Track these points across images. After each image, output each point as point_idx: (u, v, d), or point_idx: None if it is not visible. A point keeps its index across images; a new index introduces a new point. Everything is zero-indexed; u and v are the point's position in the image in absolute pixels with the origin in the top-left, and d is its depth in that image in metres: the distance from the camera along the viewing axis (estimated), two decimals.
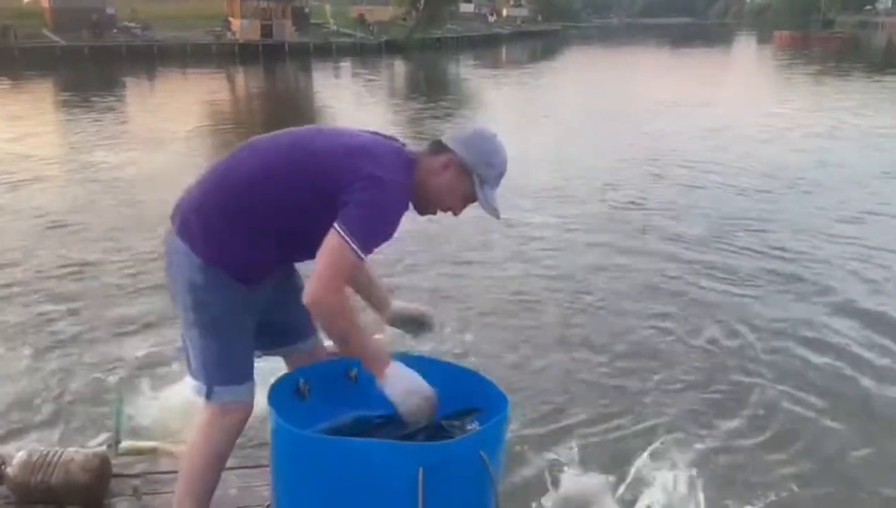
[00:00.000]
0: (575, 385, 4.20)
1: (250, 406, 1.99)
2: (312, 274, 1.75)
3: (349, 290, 1.96)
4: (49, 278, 5.59)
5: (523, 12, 73.80)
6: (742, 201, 8.50)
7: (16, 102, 19.08)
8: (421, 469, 1.64)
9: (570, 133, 13.67)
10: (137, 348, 4.38)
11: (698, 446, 3.55)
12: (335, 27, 41.54)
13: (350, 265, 1.75)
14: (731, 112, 16.49)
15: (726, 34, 70.57)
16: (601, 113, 16.72)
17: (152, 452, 2.78)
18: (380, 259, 3.67)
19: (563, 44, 54.77)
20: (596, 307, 5.34)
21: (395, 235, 1.82)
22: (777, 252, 6.56)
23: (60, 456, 2.38)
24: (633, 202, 8.41)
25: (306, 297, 1.74)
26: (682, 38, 60.10)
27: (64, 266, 5.86)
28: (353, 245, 1.72)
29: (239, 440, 2.06)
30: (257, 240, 1.87)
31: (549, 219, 7.59)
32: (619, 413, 3.87)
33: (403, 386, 1.80)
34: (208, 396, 1.93)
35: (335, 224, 1.73)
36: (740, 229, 7.24)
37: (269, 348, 2.12)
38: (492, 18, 64.59)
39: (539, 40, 56.90)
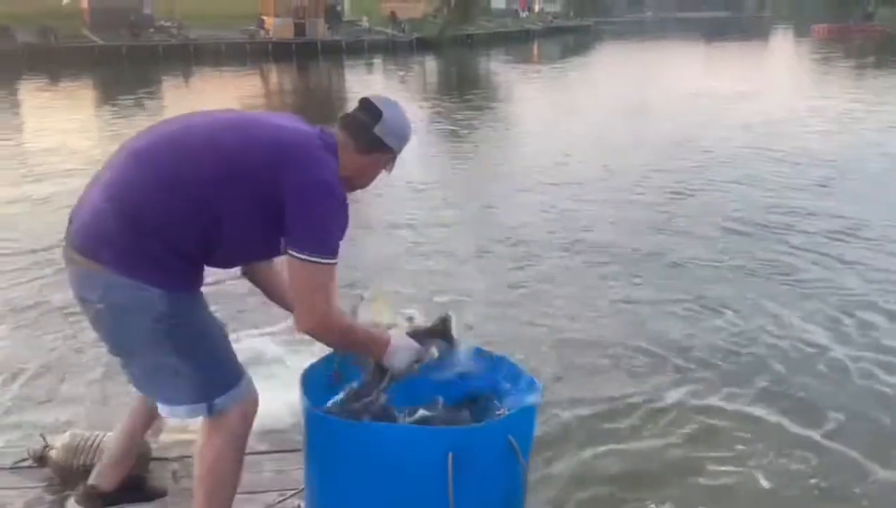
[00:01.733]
0: None
1: (256, 398, 1.89)
2: (295, 303, 1.71)
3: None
4: None
5: (555, 8, 73.29)
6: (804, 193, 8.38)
7: (53, 99, 19.55)
8: (450, 455, 1.67)
9: (605, 126, 13.54)
10: None
11: None
12: (367, 25, 41.72)
13: (326, 279, 1.68)
14: (775, 103, 16.11)
15: (763, 27, 69.22)
16: (637, 106, 16.50)
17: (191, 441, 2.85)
18: None
19: (595, 39, 54.29)
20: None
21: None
22: None
23: (102, 439, 2.44)
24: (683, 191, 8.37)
25: (297, 327, 1.70)
26: (718, 31, 59.10)
27: None
28: (320, 260, 1.66)
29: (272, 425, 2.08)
30: (193, 250, 1.73)
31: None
32: None
33: (405, 359, 1.86)
34: (210, 411, 1.79)
35: (291, 250, 1.66)
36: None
37: None
38: (523, 14, 64.27)
39: (571, 36, 56.44)
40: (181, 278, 1.72)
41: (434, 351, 1.91)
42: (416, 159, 10.22)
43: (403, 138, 1.89)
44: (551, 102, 18.82)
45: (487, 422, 1.83)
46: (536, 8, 71.17)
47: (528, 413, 1.84)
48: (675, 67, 29.34)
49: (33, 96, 20.69)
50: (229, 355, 1.85)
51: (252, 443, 2.62)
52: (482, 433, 1.76)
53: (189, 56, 30.99)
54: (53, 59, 27.81)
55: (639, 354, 4.42)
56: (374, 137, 1.82)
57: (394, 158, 1.90)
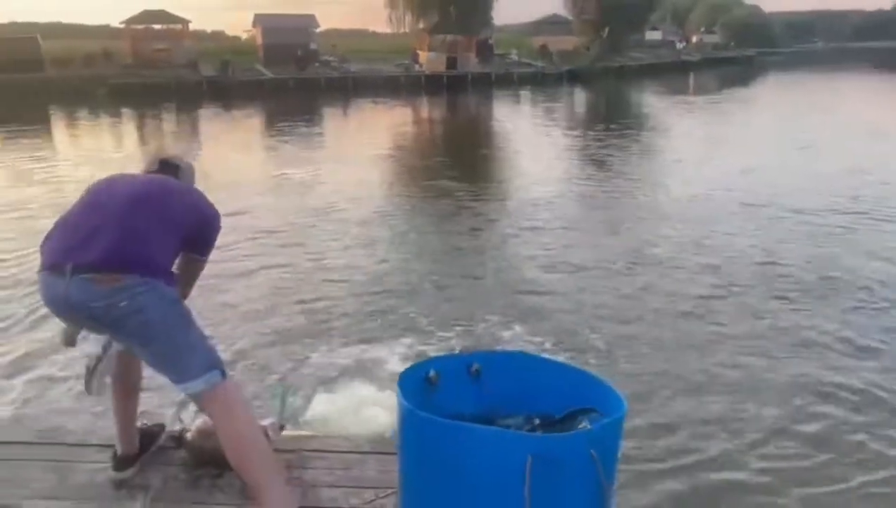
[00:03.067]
0: None
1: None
2: (193, 286, 2.49)
3: None
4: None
5: (715, 39, 70.78)
6: None
7: (224, 127, 21.44)
8: (530, 458, 1.72)
9: (763, 160, 12.92)
10: (311, 350, 4.81)
11: None
12: (517, 57, 42.35)
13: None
14: None
15: None
16: (801, 140, 15.52)
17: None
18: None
19: (758, 71, 51.75)
20: None
21: None
22: None
23: None
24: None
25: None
26: None
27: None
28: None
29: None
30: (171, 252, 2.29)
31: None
32: None
33: None
34: (223, 375, 2.20)
35: (204, 257, 2.45)
36: None
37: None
38: (680, 45, 62.58)
39: (731, 67, 54.18)
40: (168, 275, 2.23)
41: (477, 367, 2.15)
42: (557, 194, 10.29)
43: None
44: (701, 136, 18.17)
45: (568, 433, 1.86)
46: (695, 39, 69.07)
47: (612, 429, 1.84)
48: (847, 100, 27.29)
49: (209, 122, 22.82)
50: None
51: (360, 442, 2.81)
52: (562, 443, 1.79)
53: (348, 88, 32.89)
54: (230, 91, 30.51)
55: None
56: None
57: None
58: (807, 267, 6.68)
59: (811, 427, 3.96)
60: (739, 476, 3.55)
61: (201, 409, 2.30)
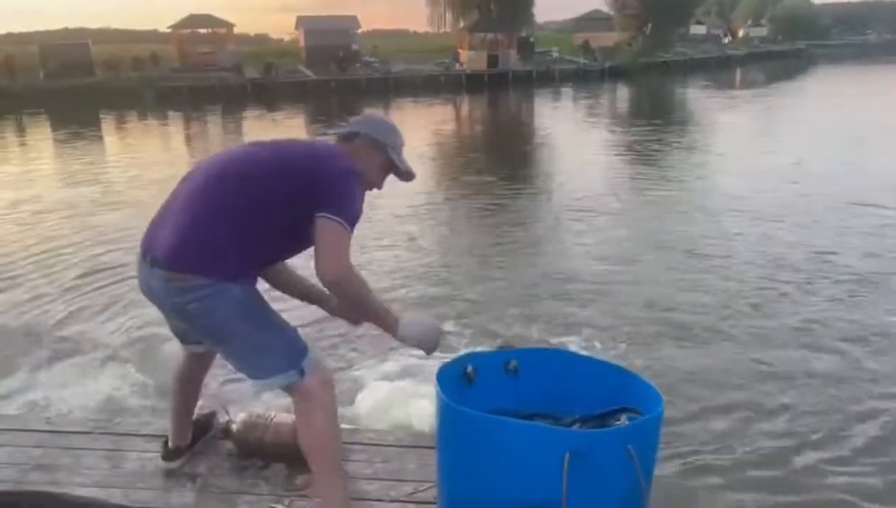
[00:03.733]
0: None
1: (327, 367, 2.25)
2: (321, 259, 1.97)
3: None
4: None
5: (762, 32, 69.26)
6: None
7: (269, 128, 21.76)
8: (567, 454, 1.74)
9: (813, 157, 12.60)
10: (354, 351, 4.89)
11: None
12: (558, 54, 42.07)
13: (347, 241, 2.01)
14: None
15: None
16: (853, 137, 15.08)
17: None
18: None
19: (807, 64, 50.47)
20: None
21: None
22: None
23: (274, 419, 2.76)
24: None
25: (322, 274, 1.98)
26: None
27: None
28: (345, 224, 2.00)
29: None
30: (249, 248, 2.09)
31: None
32: None
33: (418, 334, 2.20)
34: (302, 374, 2.09)
35: (322, 213, 1.99)
36: None
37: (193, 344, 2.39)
38: (726, 40, 61.41)
39: (779, 61, 52.92)
40: (247, 276, 2.11)
41: (514, 363, 2.17)
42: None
43: (383, 130, 2.28)
44: (747, 131, 17.82)
45: (606, 429, 1.87)
46: (741, 33, 67.66)
47: (649, 426, 1.85)
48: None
49: (252, 124, 23.22)
50: (295, 331, 2.18)
51: (400, 436, 2.85)
52: (600, 438, 1.80)
53: (389, 88, 33.10)
54: (273, 93, 30.98)
55: None
56: (350, 131, 2.26)
57: (387, 157, 2.25)
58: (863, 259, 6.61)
59: None
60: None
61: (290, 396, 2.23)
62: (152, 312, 2.39)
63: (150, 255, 2.05)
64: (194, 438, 2.67)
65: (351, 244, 2.02)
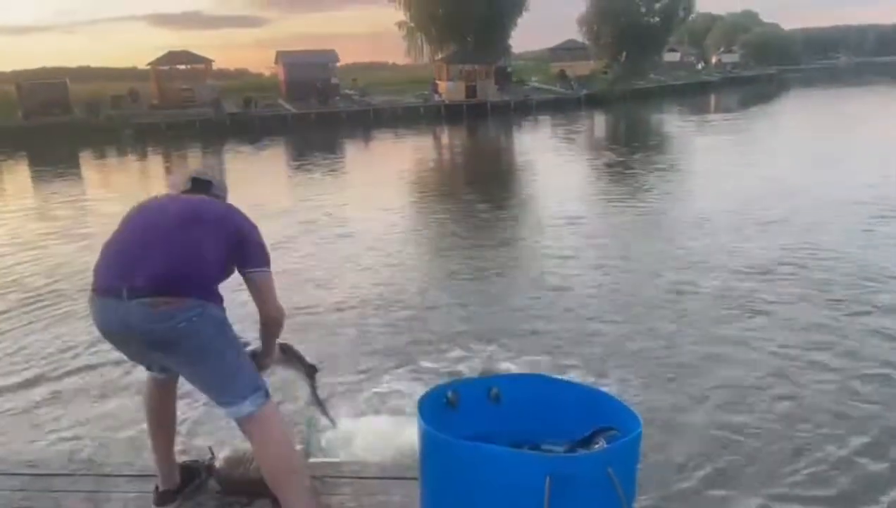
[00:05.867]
0: None
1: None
2: (265, 302, 2.33)
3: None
4: None
5: (734, 58, 70.67)
6: None
7: (250, 162, 21.81)
8: (548, 478, 1.75)
9: (791, 177, 12.88)
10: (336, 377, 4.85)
11: None
12: (535, 84, 42.63)
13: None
14: None
15: None
16: (827, 157, 15.39)
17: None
18: None
19: (779, 88, 51.54)
20: None
21: None
22: None
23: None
24: None
25: (274, 317, 2.39)
26: None
27: None
28: (269, 270, 2.35)
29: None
30: (215, 273, 2.29)
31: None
32: None
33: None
34: (267, 395, 2.27)
35: (255, 267, 2.31)
36: None
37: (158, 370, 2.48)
38: (699, 66, 62.57)
39: (752, 86, 53.99)
40: (218, 296, 2.28)
41: (496, 391, 2.21)
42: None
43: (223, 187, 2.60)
44: (722, 155, 18.13)
45: (585, 453, 1.89)
46: (714, 59, 68.99)
47: (629, 448, 1.87)
48: (870, 117, 27.00)
49: (233, 158, 23.24)
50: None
51: (385, 467, 2.85)
52: (580, 462, 1.83)
53: (369, 120, 33.31)
54: (253, 126, 31.06)
55: None
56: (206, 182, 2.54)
57: None
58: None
59: None
60: None
61: (242, 430, 2.31)
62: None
63: (128, 285, 2.10)
64: (183, 482, 2.65)
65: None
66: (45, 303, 6.99)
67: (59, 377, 5.19)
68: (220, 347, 2.20)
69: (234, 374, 2.22)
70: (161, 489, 2.58)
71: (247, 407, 2.21)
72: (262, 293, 2.32)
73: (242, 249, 2.29)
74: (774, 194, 11.24)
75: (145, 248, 2.19)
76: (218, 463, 2.75)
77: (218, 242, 2.25)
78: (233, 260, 2.30)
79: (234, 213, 2.38)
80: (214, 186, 2.53)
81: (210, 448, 2.89)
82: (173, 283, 2.13)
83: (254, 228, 2.36)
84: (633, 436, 1.87)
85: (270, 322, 2.39)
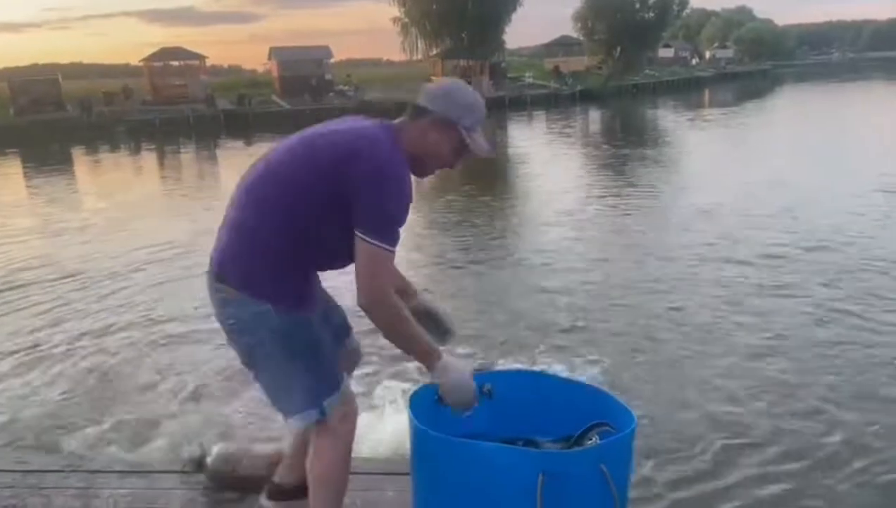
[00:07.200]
0: None
1: (355, 403, 2.07)
2: (357, 282, 1.83)
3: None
4: None
5: (728, 54, 70.79)
6: None
7: (244, 158, 21.71)
8: (541, 475, 1.74)
9: (791, 169, 12.91)
10: None
11: None
12: (530, 80, 42.63)
13: (385, 263, 1.84)
14: None
15: None
16: (823, 151, 15.46)
17: None
18: None
19: (773, 84, 51.68)
20: None
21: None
22: None
23: (249, 451, 2.73)
24: None
25: (359, 303, 1.83)
26: None
27: None
28: (380, 244, 1.81)
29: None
30: (296, 269, 1.96)
31: None
32: None
33: (451, 381, 1.93)
34: (322, 414, 1.96)
35: (357, 231, 1.81)
36: None
37: None
38: (694, 61, 62.67)
39: (746, 81, 54.09)
40: (288, 297, 1.95)
41: (488, 387, 2.03)
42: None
43: (455, 103, 1.92)
44: (714, 149, 18.18)
45: (578, 449, 1.88)
46: (708, 55, 69.12)
47: (622, 444, 1.85)
48: (862, 111, 27.11)
49: (227, 154, 23.16)
50: (331, 365, 2.04)
51: (378, 463, 2.83)
52: (573, 459, 1.81)
53: (362, 115, 33.18)
54: (247, 123, 30.97)
55: None
56: (420, 107, 1.93)
57: (468, 131, 1.93)
58: None
59: None
60: None
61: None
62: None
63: (210, 265, 1.98)
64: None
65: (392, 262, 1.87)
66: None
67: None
68: (271, 359, 1.95)
69: (281, 390, 2.00)
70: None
71: (295, 423, 2.01)
72: (356, 266, 1.85)
73: (343, 196, 1.84)
74: (770, 185, 11.30)
75: (222, 227, 2.01)
76: (209, 459, 2.74)
77: (291, 210, 1.89)
78: (336, 221, 1.86)
79: (357, 153, 1.85)
80: (430, 115, 1.95)
81: (201, 444, 2.87)
82: (225, 272, 1.93)
83: (377, 177, 1.84)
84: (627, 432, 1.85)
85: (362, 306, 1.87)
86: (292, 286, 1.96)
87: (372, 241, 1.81)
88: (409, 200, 1.89)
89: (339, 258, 1.95)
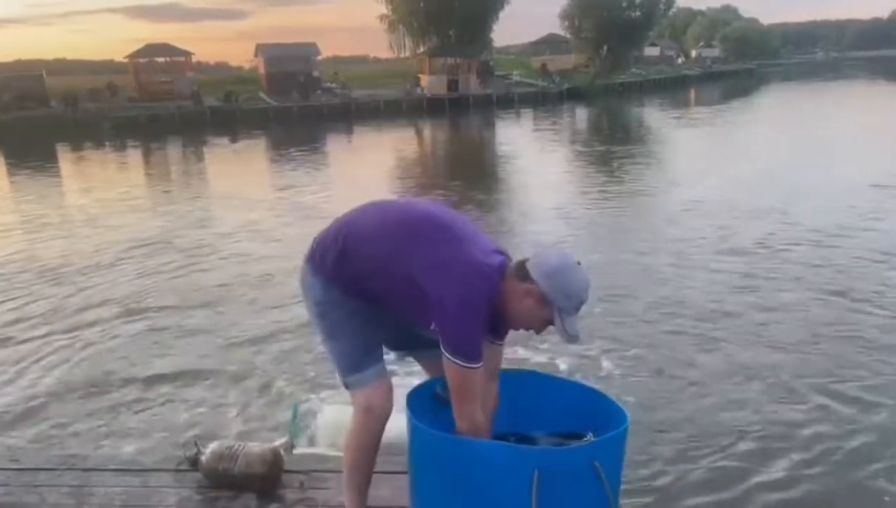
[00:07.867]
0: None
1: (382, 392, 2.14)
2: (453, 401, 1.95)
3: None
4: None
5: (714, 52, 71.20)
6: None
7: (232, 158, 21.66)
8: (536, 472, 1.77)
9: (774, 168, 13.05)
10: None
11: None
12: (517, 78, 42.69)
13: (470, 380, 1.91)
14: None
15: None
16: (809, 149, 15.64)
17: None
18: None
19: (759, 82, 52.03)
20: None
21: None
22: None
23: (243, 449, 2.74)
24: None
25: (457, 426, 1.95)
26: None
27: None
28: (463, 363, 1.88)
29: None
30: (356, 282, 2.09)
31: None
32: None
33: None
34: (347, 387, 2.18)
35: (443, 351, 1.90)
36: None
37: (400, 349, 2.39)
38: (680, 60, 62.99)
39: (732, 80, 54.45)
40: (335, 279, 2.12)
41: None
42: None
43: (556, 285, 1.89)
44: (701, 147, 18.32)
45: (572, 447, 1.91)
46: (694, 54, 69.49)
47: (615, 442, 1.89)
48: (846, 109, 27.39)
49: (213, 151, 23.05)
50: (366, 346, 2.16)
51: (377, 463, 2.84)
52: (567, 456, 1.85)
53: (351, 114, 33.15)
54: (234, 120, 30.81)
55: None
56: (522, 266, 1.94)
57: (561, 313, 1.90)
58: None
59: None
60: None
61: None
62: None
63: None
64: None
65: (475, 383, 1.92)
66: None
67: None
68: (320, 328, 2.19)
69: (335, 359, 2.18)
70: None
71: (346, 391, 2.22)
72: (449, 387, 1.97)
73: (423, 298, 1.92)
74: (758, 180, 11.44)
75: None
76: (203, 457, 2.75)
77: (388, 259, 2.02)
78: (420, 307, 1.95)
79: (448, 273, 1.92)
80: (538, 260, 1.95)
81: (195, 442, 2.88)
82: (310, 256, 2.18)
83: (451, 313, 1.89)
84: (620, 431, 1.89)
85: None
86: (343, 275, 2.11)
87: (454, 360, 1.89)
88: (484, 327, 1.94)
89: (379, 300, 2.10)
